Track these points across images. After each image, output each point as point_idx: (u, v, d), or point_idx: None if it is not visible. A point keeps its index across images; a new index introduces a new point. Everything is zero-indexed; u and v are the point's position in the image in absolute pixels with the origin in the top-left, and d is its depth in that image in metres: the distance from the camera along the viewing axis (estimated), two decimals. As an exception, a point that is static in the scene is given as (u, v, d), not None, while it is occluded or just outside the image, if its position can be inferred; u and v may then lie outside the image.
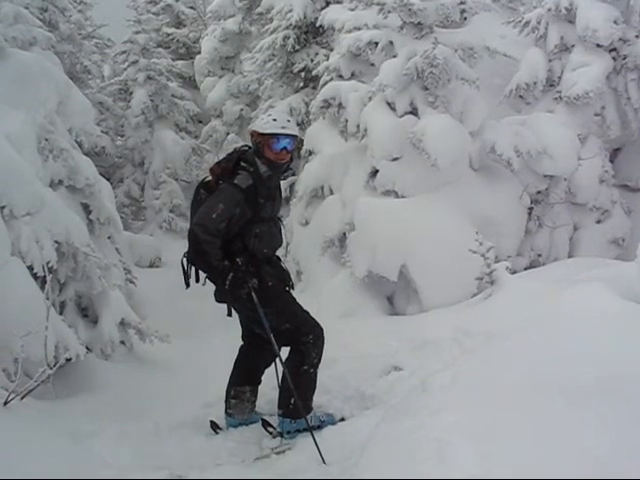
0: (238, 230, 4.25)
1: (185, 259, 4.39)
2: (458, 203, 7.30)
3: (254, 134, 4.41)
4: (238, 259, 4.19)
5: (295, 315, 4.50)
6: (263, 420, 4.65)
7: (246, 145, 4.55)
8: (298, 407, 4.31)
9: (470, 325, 5.44)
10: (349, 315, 7.28)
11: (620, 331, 3.65)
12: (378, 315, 7.31)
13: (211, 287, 4.44)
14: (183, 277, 4.42)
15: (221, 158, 4.50)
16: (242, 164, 4.31)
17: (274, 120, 4.36)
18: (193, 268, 4.43)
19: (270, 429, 4.57)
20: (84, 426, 4.76)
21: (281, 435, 4.45)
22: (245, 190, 4.19)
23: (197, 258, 4.24)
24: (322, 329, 4.50)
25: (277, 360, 4.53)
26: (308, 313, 4.56)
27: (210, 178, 4.40)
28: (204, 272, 4.37)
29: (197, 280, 4.44)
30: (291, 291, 4.65)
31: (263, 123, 4.38)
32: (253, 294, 4.20)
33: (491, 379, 3.54)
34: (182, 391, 5.95)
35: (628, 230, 8.53)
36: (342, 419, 4.59)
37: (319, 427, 4.42)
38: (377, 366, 5.35)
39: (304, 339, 4.41)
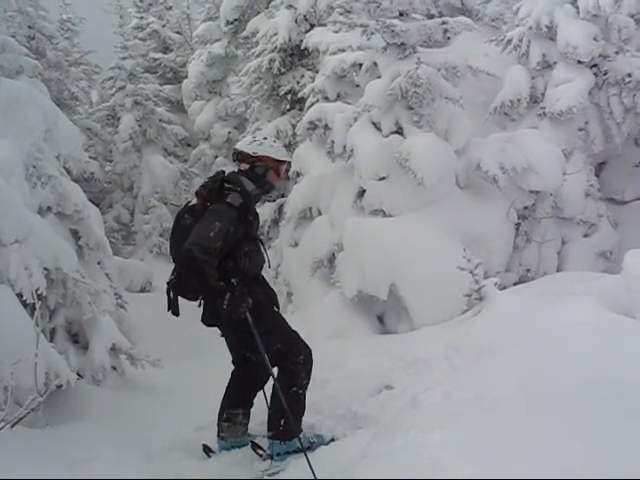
0: (228, 250, 4.25)
1: (169, 288, 4.33)
2: (445, 221, 7.34)
3: (265, 159, 4.49)
4: (233, 279, 4.20)
5: (286, 334, 4.50)
6: (252, 443, 4.63)
7: (223, 170, 4.61)
8: (288, 428, 4.31)
9: (460, 342, 5.44)
10: (340, 335, 7.29)
11: (609, 344, 3.67)
12: (369, 334, 7.32)
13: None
14: (169, 306, 4.37)
15: (204, 181, 4.54)
16: (227, 185, 4.35)
17: (284, 147, 4.74)
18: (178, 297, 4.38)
19: (260, 451, 4.55)
20: (77, 453, 4.73)
21: (271, 457, 4.43)
22: (238, 208, 4.22)
23: (193, 279, 4.17)
24: (311, 350, 4.51)
25: (269, 382, 4.53)
26: (297, 333, 4.56)
27: (194, 202, 4.41)
28: (198, 293, 4.33)
29: (176, 312, 4.35)
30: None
31: (276, 150, 4.56)
32: (247, 314, 4.19)
33: (482, 395, 3.55)
34: (174, 415, 5.93)
35: (615, 243, 8.61)
36: (332, 439, 4.57)
37: (309, 448, 4.40)
38: (368, 385, 5.34)
39: (295, 359, 4.41)
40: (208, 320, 4.45)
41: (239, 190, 4.32)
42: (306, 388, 4.46)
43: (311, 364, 4.47)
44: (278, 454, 4.40)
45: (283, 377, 4.43)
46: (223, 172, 4.53)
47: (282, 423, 4.33)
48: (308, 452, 4.23)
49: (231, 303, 4.10)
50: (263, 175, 4.49)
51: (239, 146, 4.60)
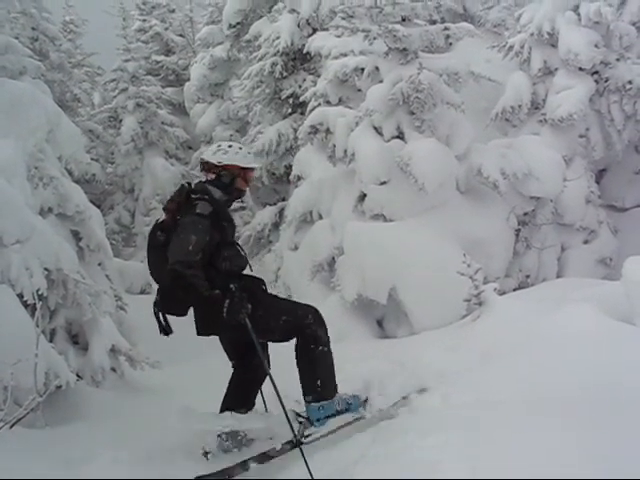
0: (208, 258, 4.25)
1: (156, 309, 4.28)
2: (446, 226, 7.36)
3: (231, 167, 4.46)
4: (232, 285, 4.20)
5: (286, 305, 4.57)
6: (293, 412, 4.55)
7: (188, 182, 4.59)
8: (326, 387, 4.32)
9: (459, 346, 5.45)
10: (340, 339, 7.24)
11: (608, 351, 3.69)
12: (368, 338, 7.33)
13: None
14: (159, 326, 4.32)
15: (171, 196, 4.52)
16: (193, 196, 4.35)
17: (249, 153, 4.66)
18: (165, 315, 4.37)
19: (300, 419, 4.49)
20: (76, 454, 4.72)
21: (311, 423, 4.32)
22: (209, 216, 4.21)
23: (186, 295, 4.17)
24: (315, 308, 4.53)
25: (264, 385, 4.52)
26: (292, 301, 4.71)
27: (163, 218, 4.40)
28: (187, 305, 4.31)
29: (167, 332, 4.33)
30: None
31: (241, 158, 4.51)
32: (247, 320, 4.19)
33: (482, 399, 3.57)
34: (173, 416, 5.92)
35: (615, 249, 8.62)
36: (366, 399, 4.52)
37: (347, 410, 4.38)
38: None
39: (305, 321, 4.40)
40: (205, 330, 4.43)
41: (207, 198, 4.32)
42: (329, 345, 4.44)
43: (322, 320, 4.47)
44: (318, 419, 4.31)
45: (304, 341, 4.39)
46: (189, 184, 4.53)
47: (319, 384, 4.32)
48: (345, 414, 4.29)
49: (230, 310, 4.10)
50: (230, 183, 4.47)
51: (205, 156, 4.57)
